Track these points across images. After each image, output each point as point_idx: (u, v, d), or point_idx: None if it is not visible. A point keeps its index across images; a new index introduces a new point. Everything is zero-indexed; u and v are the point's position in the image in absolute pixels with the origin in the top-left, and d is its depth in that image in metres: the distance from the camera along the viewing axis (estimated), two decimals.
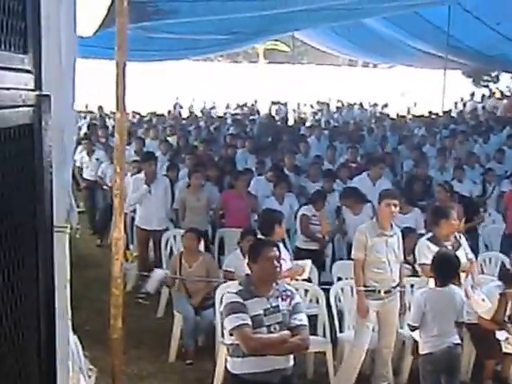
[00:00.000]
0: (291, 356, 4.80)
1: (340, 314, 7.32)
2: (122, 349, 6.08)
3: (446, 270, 6.01)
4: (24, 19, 2.12)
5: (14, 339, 1.87)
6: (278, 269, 4.80)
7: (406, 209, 9.26)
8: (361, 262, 6.75)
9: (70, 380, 3.47)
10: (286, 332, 4.69)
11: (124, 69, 4.98)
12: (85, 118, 22.81)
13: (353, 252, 6.89)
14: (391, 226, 6.85)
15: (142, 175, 9.82)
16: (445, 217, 6.99)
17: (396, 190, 7.47)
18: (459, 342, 5.93)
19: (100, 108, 23.22)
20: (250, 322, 4.62)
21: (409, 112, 25.68)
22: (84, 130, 17.86)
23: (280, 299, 4.79)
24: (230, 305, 4.71)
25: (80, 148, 13.70)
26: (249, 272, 4.93)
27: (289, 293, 4.86)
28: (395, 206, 6.75)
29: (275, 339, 4.66)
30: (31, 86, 2.16)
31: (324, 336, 7.18)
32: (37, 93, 2.19)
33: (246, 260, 5.07)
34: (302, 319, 4.80)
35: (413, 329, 6.08)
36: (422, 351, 6.00)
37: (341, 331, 7.21)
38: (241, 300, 4.68)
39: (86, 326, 7.80)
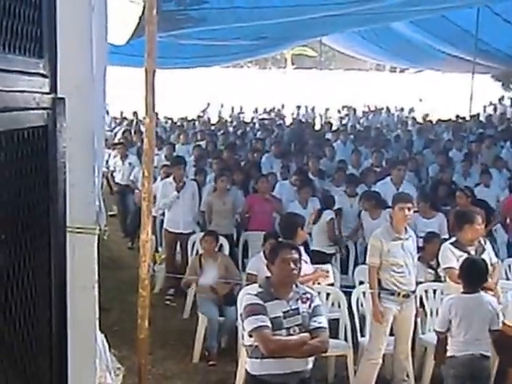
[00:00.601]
0: (310, 358, 4.79)
1: (362, 318, 7.30)
2: (148, 349, 6.17)
3: (474, 276, 5.95)
4: (40, 25, 2.16)
5: (24, 332, 1.91)
6: (296, 271, 4.77)
7: (430, 213, 9.24)
8: (375, 269, 6.75)
9: (97, 378, 3.52)
10: (305, 334, 4.69)
11: (153, 76, 5.07)
12: (120, 124, 23.05)
13: (368, 258, 6.89)
14: (405, 229, 6.84)
15: (170, 179, 9.92)
16: (469, 222, 6.91)
17: (409, 194, 7.40)
18: (487, 354, 5.82)
19: (135, 114, 23.43)
20: (269, 324, 4.62)
21: (425, 118, 25.35)
22: (119, 135, 18.06)
23: (300, 302, 4.78)
24: (249, 306, 4.72)
25: (114, 153, 13.86)
26: (269, 275, 4.95)
27: (309, 295, 4.84)
28: (409, 209, 6.73)
29: (294, 341, 4.65)
30: (46, 89, 2.20)
31: (345, 340, 7.16)
32: (52, 96, 2.24)
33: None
34: (321, 322, 4.79)
35: (439, 335, 6.03)
36: (448, 354, 5.94)
37: (362, 335, 7.19)
38: (261, 302, 4.68)
39: (115, 327, 7.92)
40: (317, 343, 4.70)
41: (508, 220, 10.15)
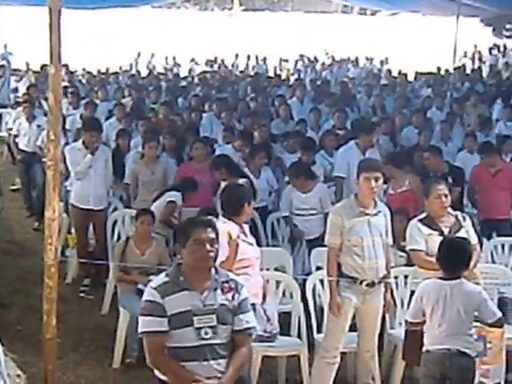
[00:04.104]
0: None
1: (319, 310, 7.35)
2: (58, 352, 6.14)
3: (454, 259, 6.00)
4: None
5: None
6: (212, 253, 4.70)
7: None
8: (335, 250, 6.78)
9: None
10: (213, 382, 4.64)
11: (59, 14, 5.01)
12: (21, 78, 22.74)
13: (326, 237, 6.91)
14: (375, 202, 6.86)
15: (79, 144, 9.79)
16: (429, 190, 7.11)
17: (377, 161, 7.48)
18: (466, 350, 5.88)
19: (43, 67, 23.09)
20: (164, 328, 4.60)
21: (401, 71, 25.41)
22: (23, 91, 17.81)
23: (220, 291, 4.73)
24: (145, 303, 4.70)
25: (16, 113, 13.66)
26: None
27: (232, 284, 4.79)
28: (376, 179, 6.73)
29: (187, 378, 4.61)
30: None
31: (299, 337, 7.22)
32: None
33: None
34: (249, 321, 4.81)
35: (410, 326, 6.12)
36: (423, 349, 6.03)
37: (319, 332, 7.22)
38: (158, 299, 4.63)
39: (17, 326, 7.86)
40: (239, 362, 4.74)
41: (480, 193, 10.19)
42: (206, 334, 4.64)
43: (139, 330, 4.71)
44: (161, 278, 4.77)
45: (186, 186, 9.34)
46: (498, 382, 6.49)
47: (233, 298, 4.75)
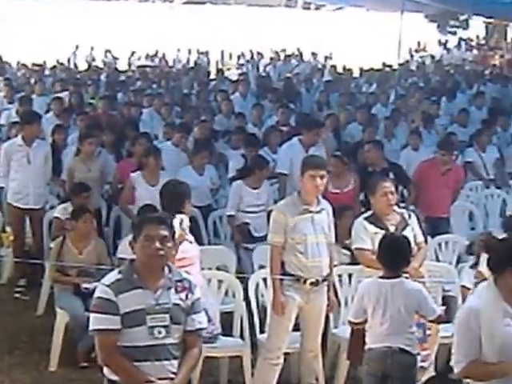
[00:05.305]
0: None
1: (262, 310, 7.37)
2: None
3: (394, 257, 6.06)
4: None
5: None
6: (164, 251, 4.68)
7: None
8: (279, 249, 6.80)
9: None
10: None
11: None
12: None
13: (269, 235, 6.94)
14: (318, 200, 6.90)
15: (19, 139, 9.69)
16: (375, 188, 7.16)
17: (322, 159, 7.52)
18: (408, 348, 5.95)
19: None
20: (117, 327, 4.58)
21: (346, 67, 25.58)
22: None
23: (173, 291, 4.73)
24: (97, 300, 4.68)
25: None
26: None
27: (186, 284, 4.79)
28: (321, 177, 6.77)
29: (139, 378, 4.61)
30: None
31: (241, 337, 7.24)
32: None
33: None
34: (202, 322, 4.82)
35: (353, 325, 6.18)
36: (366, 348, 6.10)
37: (262, 332, 7.24)
38: (111, 296, 4.61)
39: None
40: (191, 363, 4.76)
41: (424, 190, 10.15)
42: (160, 333, 4.64)
43: (90, 328, 4.68)
44: (114, 275, 4.74)
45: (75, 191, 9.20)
46: (430, 363, 6.73)
47: (186, 297, 4.75)
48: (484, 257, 6.66)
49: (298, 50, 30.97)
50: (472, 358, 4.39)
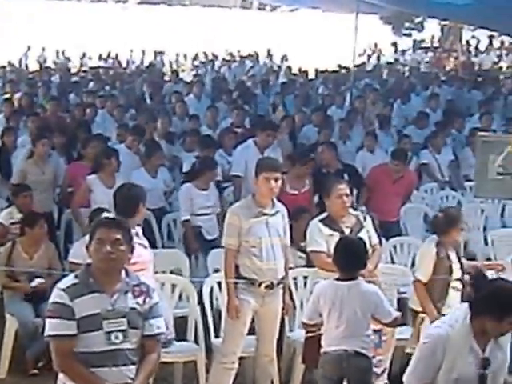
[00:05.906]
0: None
1: (216, 314, 7.35)
2: None
3: (349, 259, 6.09)
4: None
5: None
6: (115, 255, 4.63)
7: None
8: (233, 252, 6.79)
9: None
10: None
11: None
12: None
13: (223, 239, 6.93)
14: (273, 202, 6.89)
15: None
16: (330, 190, 7.19)
17: (277, 161, 7.53)
18: (364, 351, 5.99)
19: None
20: (73, 332, 4.53)
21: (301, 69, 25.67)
22: None
23: (130, 295, 4.69)
24: (52, 305, 4.62)
25: None
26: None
27: (144, 288, 4.76)
28: (276, 180, 6.76)
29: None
30: None
31: (196, 342, 7.22)
32: None
33: None
34: (160, 326, 4.77)
35: (307, 328, 6.18)
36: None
37: (216, 336, 7.22)
38: (67, 301, 4.56)
39: None
40: (149, 369, 4.72)
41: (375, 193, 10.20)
42: (117, 338, 4.58)
43: (46, 333, 4.61)
44: (69, 280, 4.68)
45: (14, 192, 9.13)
46: (384, 369, 6.81)
47: (144, 301, 4.70)
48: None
49: (254, 51, 31.00)
50: (424, 382, 4.39)
